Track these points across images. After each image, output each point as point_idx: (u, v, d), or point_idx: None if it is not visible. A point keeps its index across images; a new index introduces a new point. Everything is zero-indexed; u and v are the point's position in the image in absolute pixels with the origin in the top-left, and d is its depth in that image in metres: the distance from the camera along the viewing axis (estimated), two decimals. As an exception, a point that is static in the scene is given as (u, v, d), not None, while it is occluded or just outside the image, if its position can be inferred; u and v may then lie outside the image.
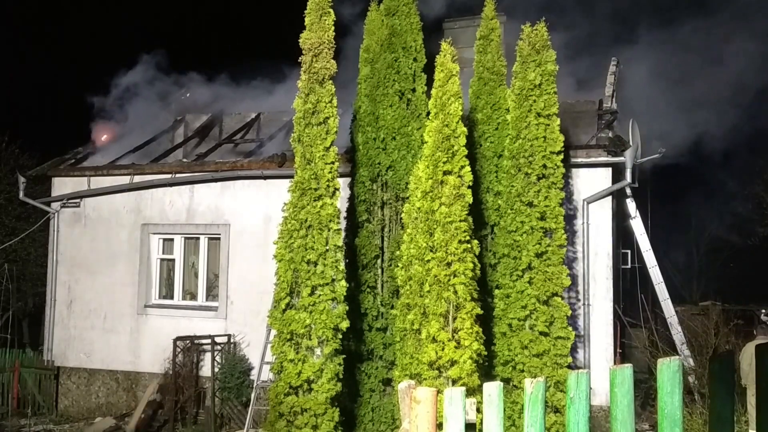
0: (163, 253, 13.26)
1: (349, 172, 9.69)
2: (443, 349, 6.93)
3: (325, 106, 7.90)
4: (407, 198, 8.15)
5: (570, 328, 8.46)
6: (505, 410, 4.81)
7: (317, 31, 7.97)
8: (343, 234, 8.21)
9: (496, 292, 8.88)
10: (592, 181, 10.62)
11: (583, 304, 10.35)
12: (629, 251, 12.20)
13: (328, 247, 7.81)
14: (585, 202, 10.51)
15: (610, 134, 10.96)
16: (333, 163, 7.90)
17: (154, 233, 13.21)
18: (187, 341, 11.96)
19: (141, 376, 12.86)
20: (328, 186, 7.87)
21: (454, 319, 7.03)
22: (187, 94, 16.37)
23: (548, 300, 8.43)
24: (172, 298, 13.16)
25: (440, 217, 7.20)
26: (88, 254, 13.46)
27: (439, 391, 3.21)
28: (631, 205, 11.29)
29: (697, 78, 15.85)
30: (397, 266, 7.91)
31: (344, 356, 7.87)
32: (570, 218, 10.21)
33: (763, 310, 12.36)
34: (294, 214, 7.86)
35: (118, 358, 13.06)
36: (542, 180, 8.66)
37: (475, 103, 9.81)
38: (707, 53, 16.77)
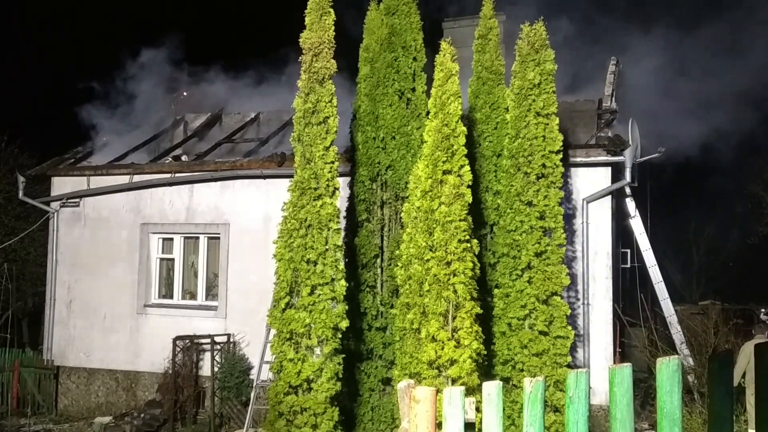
0: (163, 252, 13.26)
1: (349, 172, 9.68)
2: (443, 349, 6.93)
3: (325, 106, 7.90)
4: (407, 197, 8.14)
5: (569, 328, 8.46)
6: (504, 409, 4.81)
7: (317, 31, 7.97)
8: (342, 233, 8.20)
9: (496, 291, 8.88)
10: (591, 180, 10.62)
11: (583, 304, 10.35)
12: (629, 250, 12.21)
13: (327, 247, 7.81)
14: (584, 202, 10.51)
15: (610, 133, 10.96)
16: (333, 162, 7.90)
17: (154, 233, 13.21)
18: (187, 341, 11.96)
19: (140, 376, 12.86)
20: (328, 185, 7.87)
21: (454, 318, 7.02)
22: (185, 94, 16.37)
23: (548, 299, 8.44)
24: (171, 297, 13.16)
25: (440, 216, 7.20)
26: (88, 254, 13.46)
27: (438, 391, 3.21)
28: (630, 205, 11.29)
29: (697, 78, 15.85)
30: (397, 265, 7.91)
31: (344, 355, 7.87)
32: (569, 217, 10.21)
33: (763, 310, 12.40)
34: (294, 213, 7.86)
35: (118, 357, 13.07)
36: (541, 179, 8.67)
37: (474, 103, 9.81)
38: (707, 53, 16.77)
